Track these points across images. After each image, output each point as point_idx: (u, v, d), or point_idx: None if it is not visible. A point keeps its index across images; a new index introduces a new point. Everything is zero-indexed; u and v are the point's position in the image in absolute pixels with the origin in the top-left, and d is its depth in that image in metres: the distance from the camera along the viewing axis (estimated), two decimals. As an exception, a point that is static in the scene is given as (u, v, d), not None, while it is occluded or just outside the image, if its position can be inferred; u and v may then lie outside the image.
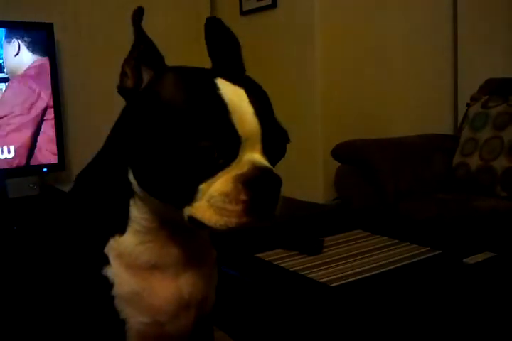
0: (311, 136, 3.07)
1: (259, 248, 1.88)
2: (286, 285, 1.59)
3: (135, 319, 0.76)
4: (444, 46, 3.14)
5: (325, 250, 1.88)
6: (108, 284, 0.76)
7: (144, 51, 0.73)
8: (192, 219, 0.69)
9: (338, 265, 1.72)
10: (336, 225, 2.21)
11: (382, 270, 1.67)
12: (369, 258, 1.78)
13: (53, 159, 2.48)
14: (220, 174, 0.67)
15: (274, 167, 0.73)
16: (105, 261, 0.76)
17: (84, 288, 0.76)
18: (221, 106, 0.66)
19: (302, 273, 1.63)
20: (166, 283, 0.77)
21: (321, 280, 1.57)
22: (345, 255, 1.83)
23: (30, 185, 2.40)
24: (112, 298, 0.76)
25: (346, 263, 1.74)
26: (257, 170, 0.67)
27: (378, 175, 2.57)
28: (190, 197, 0.68)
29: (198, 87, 0.68)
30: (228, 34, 0.81)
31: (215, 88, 0.67)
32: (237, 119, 0.66)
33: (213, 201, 0.67)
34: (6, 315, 0.90)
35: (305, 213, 2.40)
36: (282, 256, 1.83)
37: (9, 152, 2.36)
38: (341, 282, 1.56)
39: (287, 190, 2.65)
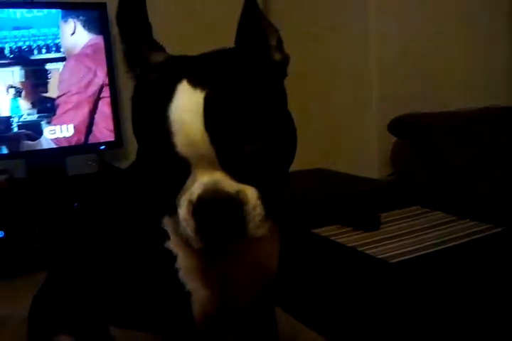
0: (366, 109, 3.00)
1: (314, 224, 1.86)
2: (345, 261, 1.57)
3: (200, 291, 0.77)
4: (501, 13, 3.01)
5: (382, 226, 1.84)
6: (171, 257, 0.76)
7: (126, 51, 0.73)
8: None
9: (396, 241, 1.69)
10: (393, 201, 2.17)
11: (442, 247, 1.62)
12: (428, 235, 1.74)
13: (110, 136, 2.53)
14: (182, 194, 0.64)
15: (272, 174, 0.66)
16: (165, 235, 0.77)
17: (149, 260, 0.78)
18: (166, 126, 0.61)
19: (360, 249, 1.62)
20: (228, 257, 0.77)
21: (379, 257, 1.54)
22: (404, 231, 1.79)
23: (89, 163, 2.46)
24: (176, 270, 0.76)
25: (405, 239, 1.71)
26: (205, 195, 0.62)
27: (438, 150, 2.49)
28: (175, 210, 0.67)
29: (156, 96, 0.64)
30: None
31: (170, 100, 0.62)
32: (180, 140, 0.61)
33: (181, 223, 0.66)
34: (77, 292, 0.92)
35: (361, 189, 2.36)
36: (338, 232, 1.81)
37: (68, 130, 2.42)
38: (401, 258, 1.53)
39: (341, 166, 2.61)
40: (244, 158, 0.63)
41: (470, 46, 3.06)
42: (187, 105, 0.61)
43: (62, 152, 2.43)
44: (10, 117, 2.29)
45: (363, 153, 3.03)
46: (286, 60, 0.77)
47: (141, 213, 0.80)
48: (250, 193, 0.63)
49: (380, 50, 2.92)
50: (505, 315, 1.23)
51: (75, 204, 2.13)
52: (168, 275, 0.77)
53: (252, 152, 0.63)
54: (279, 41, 0.76)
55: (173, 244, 0.77)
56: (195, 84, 0.62)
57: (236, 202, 0.62)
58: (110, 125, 2.52)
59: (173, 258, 0.77)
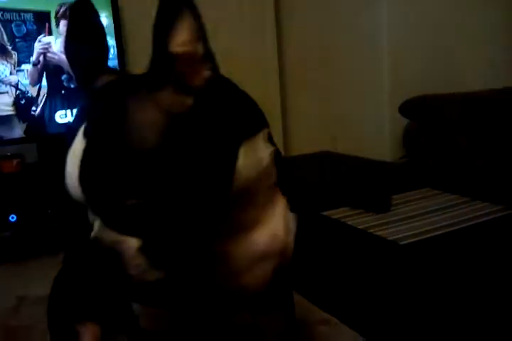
0: (377, 91, 2.97)
1: (325, 206, 1.86)
2: (355, 243, 1.57)
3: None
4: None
5: (393, 208, 1.84)
6: None
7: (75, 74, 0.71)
8: None
9: (407, 223, 1.69)
10: (404, 183, 2.16)
11: (453, 228, 1.62)
12: (439, 217, 1.74)
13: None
14: None
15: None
16: None
17: None
18: (63, 170, 0.62)
19: (371, 230, 1.62)
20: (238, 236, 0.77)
21: (390, 238, 1.54)
22: (414, 213, 1.79)
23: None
24: None
25: (415, 221, 1.71)
26: (94, 238, 0.62)
27: (449, 132, 2.47)
28: None
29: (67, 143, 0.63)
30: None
31: (72, 143, 0.61)
32: (67, 182, 0.61)
33: None
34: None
35: (371, 171, 2.35)
36: (349, 214, 1.81)
37: (79, 114, 2.42)
38: (411, 240, 1.53)
39: (352, 148, 2.59)
40: (120, 212, 0.60)
41: (485, 25, 3.01)
42: (75, 152, 0.60)
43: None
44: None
45: (375, 136, 3.02)
46: (211, 79, 0.62)
47: None
48: (129, 243, 0.62)
49: (392, 30, 2.88)
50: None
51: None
52: None
53: (130, 206, 0.59)
54: (207, 55, 0.62)
55: None
56: (84, 133, 0.60)
57: (114, 251, 0.62)
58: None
59: None
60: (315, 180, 2.19)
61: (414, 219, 1.73)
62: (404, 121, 2.73)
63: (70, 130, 0.63)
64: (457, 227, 1.63)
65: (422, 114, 2.58)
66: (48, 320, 0.99)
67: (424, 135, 2.59)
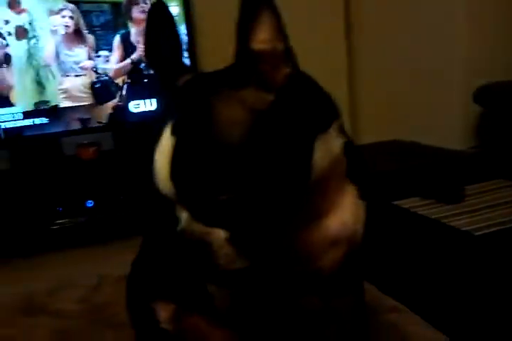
0: (449, 77, 2.87)
1: (395, 196, 1.84)
2: (428, 233, 1.55)
3: None
4: None
5: (465, 199, 1.80)
6: None
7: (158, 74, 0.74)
8: None
9: (480, 214, 1.65)
10: (476, 174, 2.10)
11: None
12: (513, 208, 1.69)
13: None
14: None
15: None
16: None
17: None
18: (152, 167, 0.64)
19: (443, 221, 1.59)
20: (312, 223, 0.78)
21: (464, 229, 1.51)
22: (488, 204, 1.75)
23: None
24: None
25: (489, 212, 1.66)
26: (182, 230, 0.66)
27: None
28: None
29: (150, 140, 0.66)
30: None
31: (158, 142, 0.64)
32: (156, 180, 0.64)
33: None
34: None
35: (443, 160, 2.30)
36: (419, 204, 1.78)
37: (151, 104, 2.50)
38: (486, 231, 1.49)
39: (423, 137, 2.51)
40: (211, 206, 0.63)
41: None
42: (164, 148, 0.63)
43: (146, 125, 2.52)
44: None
45: (446, 124, 2.93)
46: (291, 76, 0.65)
47: None
48: (216, 235, 0.65)
49: (468, 9, 2.77)
50: None
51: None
52: None
53: (221, 201, 0.62)
54: (287, 52, 0.64)
55: None
56: (173, 130, 0.63)
57: (204, 241, 0.65)
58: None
59: None
60: (386, 169, 2.16)
61: (487, 210, 1.69)
62: (477, 109, 2.64)
63: (155, 127, 0.66)
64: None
65: (497, 101, 2.48)
66: (126, 300, 1.05)
67: (498, 124, 2.50)
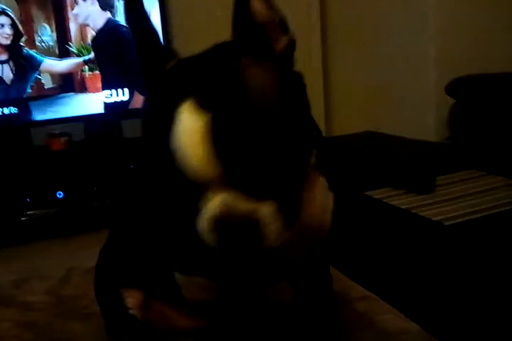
0: (422, 70, 2.90)
1: (367, 186, 1.85)
2: (399, 223, 1.56)
3: None
4: None
5: (437, 189, 1.81)
6: None
7: (141, 59, 0.71)
8: None
9: (451, 204, 1.67)
10: (449, 164, 2.12)
11: (499, 210, 1.59)
12: (485, 198, 1.70)
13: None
14: (200, 215, 0.64)
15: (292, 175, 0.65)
16: None
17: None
18: (169, 152, 0.60)
19: (414, 211, 1.60)
20: None
21: (434, 219, 1.53)
22: (459, 194, 1.76)
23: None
24: None
25: (460, 202, 1.68)
26: (222, 215, 0.62)
27: (497, 113, 2.40)
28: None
29: (161, 123, 0.62)
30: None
31: (173, 125, 0.59)
32: (185, 165, 0.59)
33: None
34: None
35: (416, 151, 2.32)
36: (391, 194, 1.79)
37: (124, 94, 2.47)
38: (456, 221, 1.51)
39: (397, 129, 2.55)
40: (255, 177, 0.61)
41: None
42: (192, 128, 0.59)
43: (118, 115, 2.49)
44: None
45: (420, 116, 2.96)
46: (291, 44, 0.70)
47: None
48: (265, 209, 0.62)
49: (438, 4, 2.80)
50: None
51: (131, 166, 2.19)
52: None
53: (263, 170, 0.61)
54: (282, 21, 0.69)
55: None
56: (199, 105, 0.59)
57: (250, 221, 0.62)
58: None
59: None
60: (358, 160, 2.17)
61: (459, 200, 1.71)
62: (450, 102, 2.67)
63: (151, 117, 0.65)
64: (503, 209, 1.60)
65: (469, 94, 2.52)
66: (94, 289, 1.04)
67: (470, 116, 2.53)
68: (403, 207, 1.65)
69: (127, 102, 2.49)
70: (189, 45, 0.72)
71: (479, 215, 1.55)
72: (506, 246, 1.37)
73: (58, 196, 2.16)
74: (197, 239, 0.69)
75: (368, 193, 1.79)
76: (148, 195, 0.91)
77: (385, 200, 1.73)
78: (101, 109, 2.44)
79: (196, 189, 0.62)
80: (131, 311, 0.94)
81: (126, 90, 2.48)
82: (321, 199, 0.82)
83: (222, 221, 0.62)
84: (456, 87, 2.53)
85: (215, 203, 0.62)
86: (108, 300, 1.00)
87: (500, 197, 1.70)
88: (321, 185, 0.82)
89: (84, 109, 2.41)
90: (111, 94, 2.46)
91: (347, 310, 1.13)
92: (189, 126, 0.59)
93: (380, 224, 1.59)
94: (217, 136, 0.58)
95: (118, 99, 2.47)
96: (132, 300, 0.94)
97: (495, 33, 2.85)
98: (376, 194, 1.79)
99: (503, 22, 2.86)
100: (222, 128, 0.59)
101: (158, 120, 0.63)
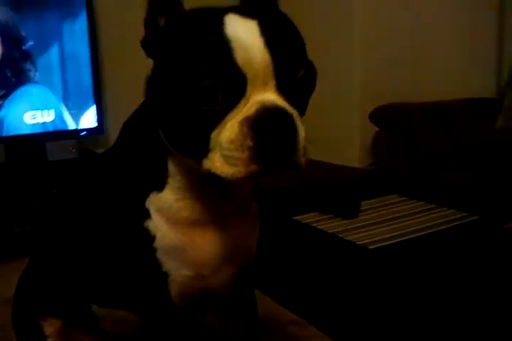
0: (348, 98, 3.00)
1: (295, 211, 1.88)
2: (325, 247, 1.59)
3: (177, 272, 0.77)
4: (488, 6, 3.02)
5: (361, 214, 1.87)
6: (150, 237, 0.76)
7: (154, 2, 0.72)
8: (209, 171, 0.66)
9: (375, 228, 1.72)
10: (372, 190, 2.20)
11: (420, 234, 1.66)
12: (406, 222, 1.77)
13: (92, 123, 2.51)
14: (228, 119, 0.63)
15: (304, 105, 0.71)
16: (146, 215, 0.76)
17: (127, 240, 0.77)
18: (223, 43, 0.62)
19: (340, 235, 1.64)
20: (208, 238, 0.77)
21: (359, 243, 1.57)
22: (382, 219, 1.83)
23: (69, 149, 2.43)
24: (154, 250, 0.76)
25: (383, 226, 1.74)
26: (264, 110, 0.62)
27: (418, 140, 2.52)
28: (205, 148, 0.65)
29: (203, 26, 0.65)
30: None
31: (221, 25, 0.63)
32: (241, 56, 0.62)
33: (222, 149, 0.64)
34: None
35: (341, 177, 2.38)
36: (318, 218, 1.83)
37: (49, 115, 2.39)
38: (380, 244, 1.56)
39: (322, 154, 2.59)
40: (295, 82, 0.66)
41: (453, 37, 3.08)
42: (244, 26, 0.64)
43: (42, 137, 2.41)
44: None
45: (344, 143, 3.05)
46: None
47: (121, 194, 0.79)
48: (295, 111, 0.66)
49: (363, 37, 2.92)
50: (482, 297, 1.26)
51: (54, 190, 2.12)
52: (146, 255, 0.76)
53: (301, 77, 0.66)
54: None
55: (153, 224, 0.77)
56: (243, 15, 0.65)
57: (293, 120, 0.64)
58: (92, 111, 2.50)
59: (151, 238, 0.76)
60: (286, 186, 2.20)
61: (382, 224, 1.77)
62: (374, 129, 2.77)
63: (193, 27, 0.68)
64: (424, 233, 1.66)
65: (391, 122, 2.62)
66: (12, 316, 0.99)
67: (392, 143, 2.63)
68: (330, 231, 1.69)
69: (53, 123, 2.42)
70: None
71: (401, 239, 1.61)
72: (426, 267, 1.42)
73: (-24, 221, 2.04)
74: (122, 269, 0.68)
75: (297, 218, 1.82)
76: (70, 221, 0.89)
77: (313, 225, 1.76)
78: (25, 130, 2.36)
79: (239, 86, 0.63)
80: (49, 339, 0.91)
81: (51, 111, 2.41)
82: (249, 220, 0.83)
83: (265, 116, 0.62)
84: (378, 115, 2.63)
85: (256, 101, 0.63)
86: (26, 329, 0.95)
87: (421, 222, 1.78)
88: (253, 211, 0.83)
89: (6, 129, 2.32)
90: (35, 115, 2.38)
91: (276, 334, 1.13)
92: (242, 25, 0.64)
93: (308, 247, 1.61)
94: (267, 34, 0.64)
95: (41, 121, 2.39)
96: (50, 328, 0.91)
97: (411, 67, 3.01)
98: (304, 218, 1.82)
99: (418, 58, 3.03)
100: (270, 30, 0.64)
101: (196, 34, 0.66)
